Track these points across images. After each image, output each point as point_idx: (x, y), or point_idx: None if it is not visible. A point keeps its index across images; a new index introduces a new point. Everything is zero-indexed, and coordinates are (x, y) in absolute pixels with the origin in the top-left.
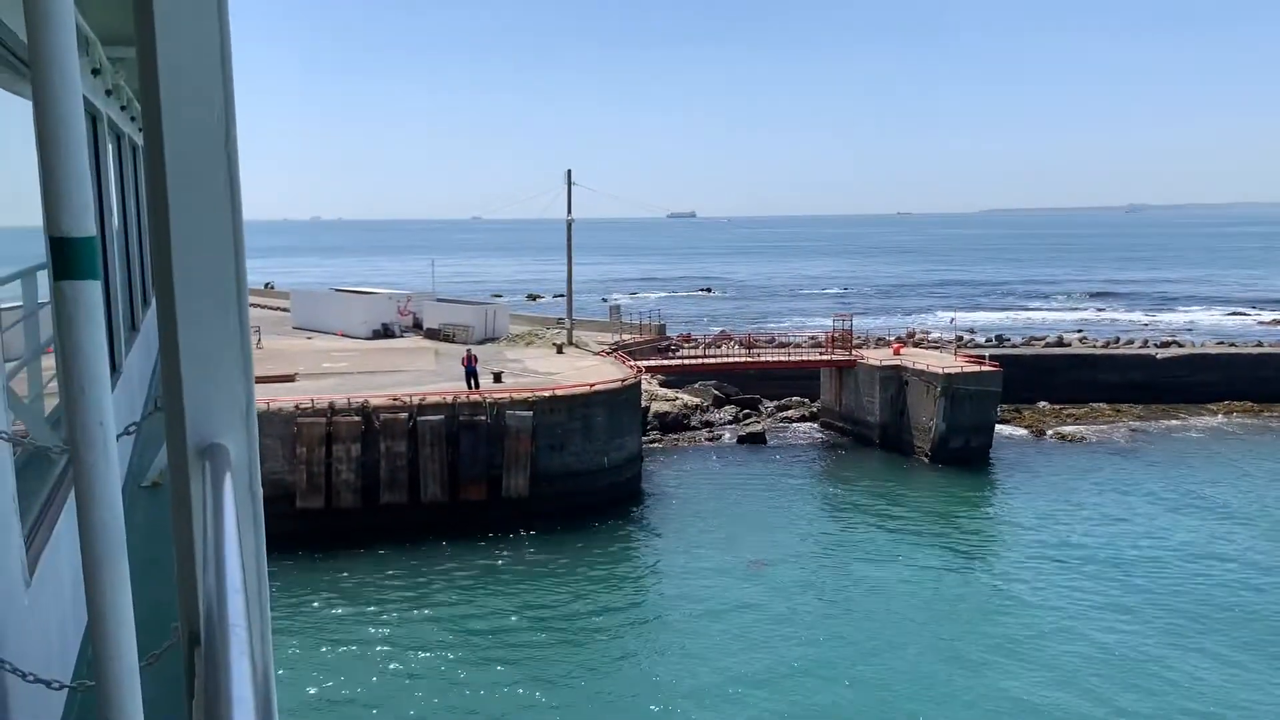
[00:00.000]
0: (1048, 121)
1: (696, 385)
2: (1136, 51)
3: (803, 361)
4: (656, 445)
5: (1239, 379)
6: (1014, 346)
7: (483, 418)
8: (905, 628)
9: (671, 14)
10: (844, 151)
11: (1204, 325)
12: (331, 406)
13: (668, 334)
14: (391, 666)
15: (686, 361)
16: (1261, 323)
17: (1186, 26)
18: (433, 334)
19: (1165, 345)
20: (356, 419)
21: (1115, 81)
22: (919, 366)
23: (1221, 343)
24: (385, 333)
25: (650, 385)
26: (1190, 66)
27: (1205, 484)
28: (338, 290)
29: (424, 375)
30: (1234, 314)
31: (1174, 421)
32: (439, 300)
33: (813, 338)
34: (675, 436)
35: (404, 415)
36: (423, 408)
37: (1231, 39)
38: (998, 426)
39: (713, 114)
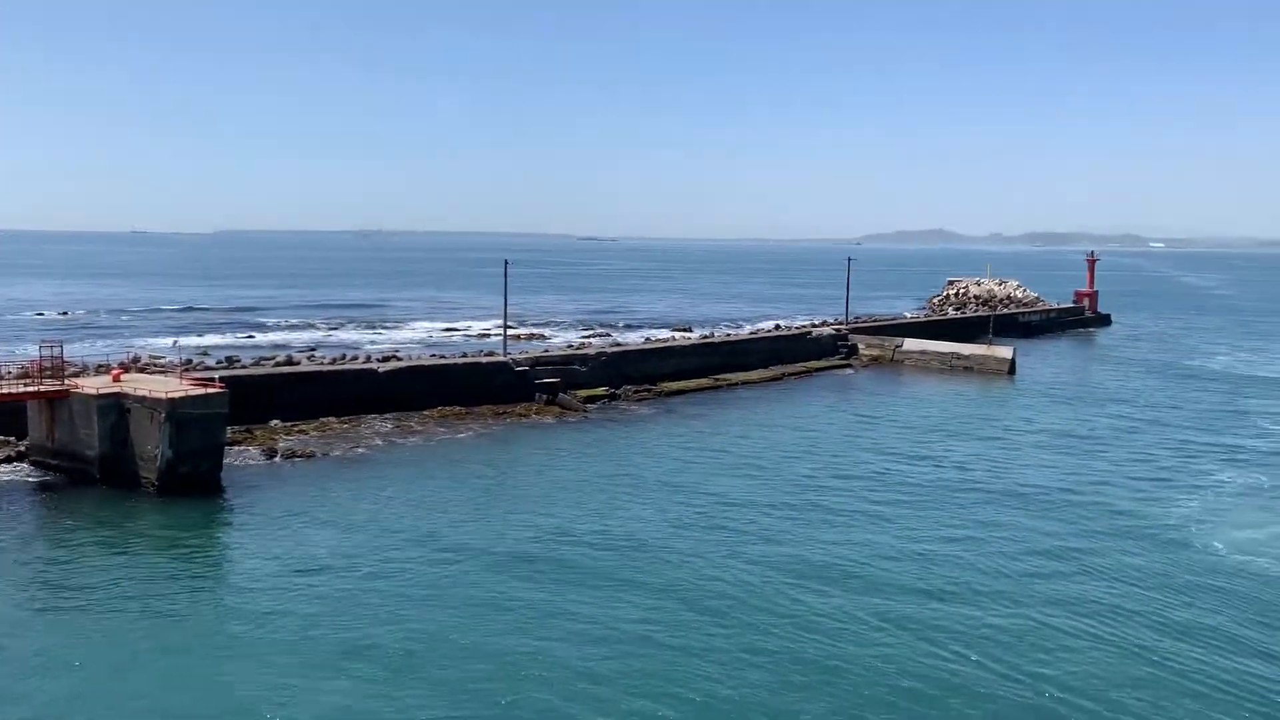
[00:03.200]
0: (292, 145)
1: None
2: (376, 92)
3: (4, 395)
4: None
5: (450, 387)
6: (244, 367)
7: None
8: (140, 660)
9: None
10: (76, 160)
11: (426, 340)
12: None
13: None
14: None
15: None
16: (469, 336)
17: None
18: None
19: (386, 360)
20: None
21: (360, 116)
22: (141, 393)
23: (434, 355)
24: None
25: None
26: (403, 110)
27: (435, 481)
28: None
29: None
30: (449, 329)
31: (396, 428)
32: None
33: (22, 368)
34: None
35: None
36: None
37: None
38: (229, 448)
39: None
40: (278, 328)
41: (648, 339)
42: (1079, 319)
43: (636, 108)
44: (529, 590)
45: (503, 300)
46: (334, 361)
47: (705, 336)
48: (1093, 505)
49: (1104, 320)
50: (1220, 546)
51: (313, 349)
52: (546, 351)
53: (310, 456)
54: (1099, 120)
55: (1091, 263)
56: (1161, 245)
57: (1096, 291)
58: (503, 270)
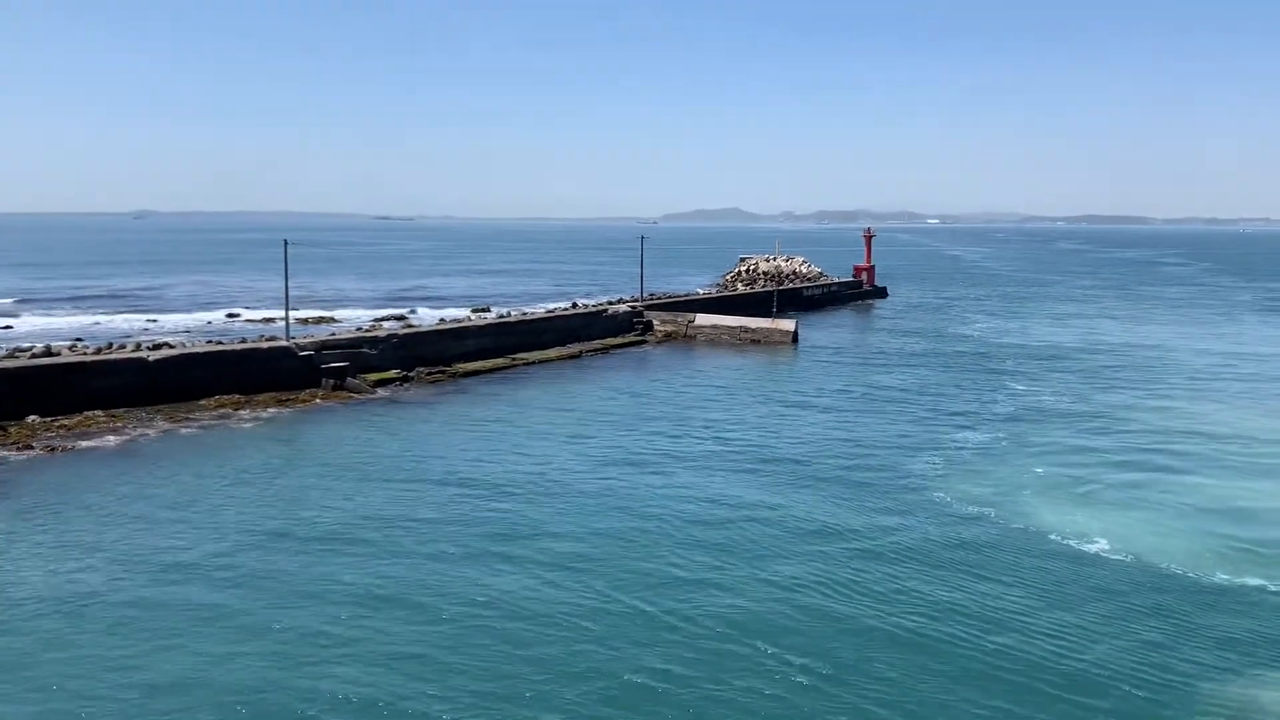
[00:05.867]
0: (51, 121)
1: None
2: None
3: None
4: None
5: (227, 375)
6: None
7: None
8: None
9: None
10: None
11: (205, 326)
12: None
13: None
14: None
15: None
16: (252, 321)
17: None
18: None
19: (157, 347)
20: None
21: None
22: None
23: (211, 341)
24: None
25: None
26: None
27: (209, 473)
28: None
29: None
30: (230, 315)
31: (167, 421)
32: None
33: None
34: None
35: None
36: None
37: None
38: None
39: None
40: (37, 315)
41: (443, 319)
42: (858, 292)
43: (423, 80)
44: (321, 581)
45: (284, 283)
46: (99, 351)
47: (501, 316)
48: (846, 467)
49: (881, 293)
50: (946, 498)
51: (77, 339)
52: (334, 335)
53: (71, 450)
54: (885, 106)
55: (868, 238)
56: (936, 221)
57: (873, 266)
58: (287, 252)
